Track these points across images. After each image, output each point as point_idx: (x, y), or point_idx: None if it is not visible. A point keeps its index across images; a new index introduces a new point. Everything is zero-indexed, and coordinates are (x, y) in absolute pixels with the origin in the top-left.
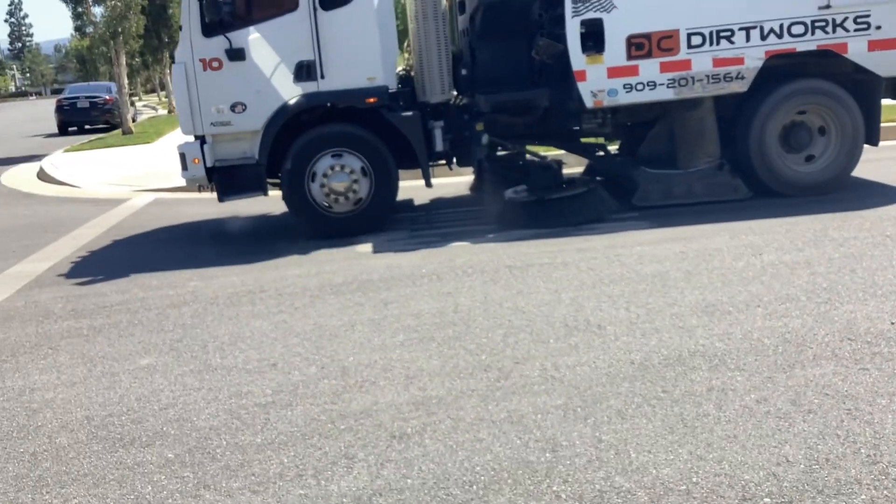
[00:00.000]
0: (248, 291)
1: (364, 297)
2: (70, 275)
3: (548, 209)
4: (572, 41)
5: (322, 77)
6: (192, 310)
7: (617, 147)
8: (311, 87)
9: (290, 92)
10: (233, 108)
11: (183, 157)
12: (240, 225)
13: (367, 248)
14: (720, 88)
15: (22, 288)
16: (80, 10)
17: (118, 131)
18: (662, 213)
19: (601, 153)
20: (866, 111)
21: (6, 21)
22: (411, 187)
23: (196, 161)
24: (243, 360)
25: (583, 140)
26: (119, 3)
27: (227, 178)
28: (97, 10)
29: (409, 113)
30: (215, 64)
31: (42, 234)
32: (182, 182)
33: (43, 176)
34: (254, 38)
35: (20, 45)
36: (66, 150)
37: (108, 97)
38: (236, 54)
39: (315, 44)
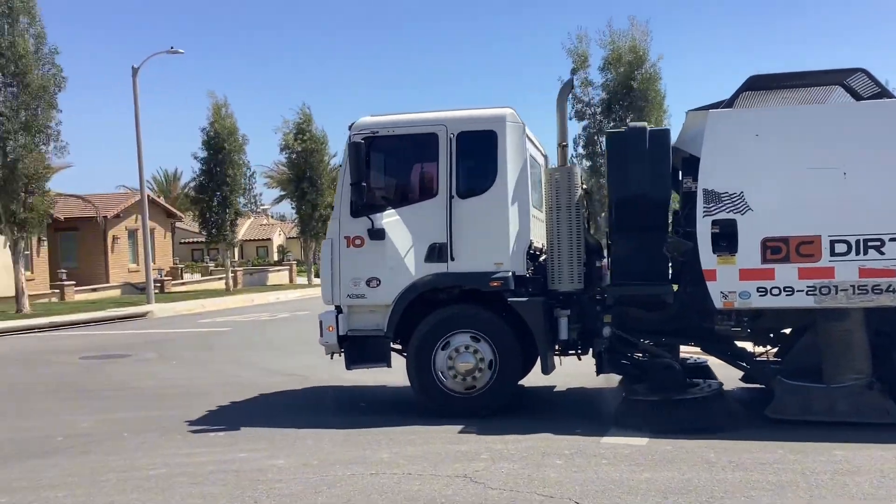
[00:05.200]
0: None
1: None
2: None
3: (664, 411)
4: (703, 240)
5: (452, 259)
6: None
7: (775, 353)
8: (440, 267)
9: (421, 271)
10: (368, 282)
11: (321, 324)
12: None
13: None
14: (868, 300)
15: None
16: None
17: None
18: None
19: (743, 358)
20: None
21: None
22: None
23: (330, 329)
24: None
25: (737, 342)
26: None
27: (356, 348)
28: None
29: (531, 299)
30: (358, 241)
31: None
32: None
33: None
34: (394, 220)
35: None
36: None
37: None
38: (377, 234)
39: (448, 228)
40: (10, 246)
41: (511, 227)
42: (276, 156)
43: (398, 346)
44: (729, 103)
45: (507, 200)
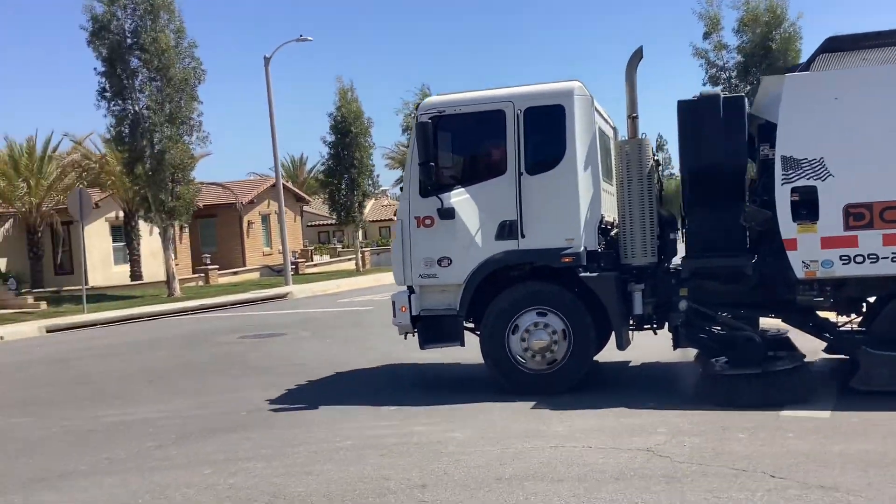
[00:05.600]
0: None
1: None
2: None
3: (744, 385)
4: (782, 208)
5: (522, 236)
6: None
7: (858, 323)
8: (511, 245)
9: (492, 249)
10: (439, 262)
11: (393, 305)
12: None
13: None
14: None
15: None
16: None
17: None
18: None
19: (826, 329)
20: None
21: None
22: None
23: (403, 309)
24: None
25: (815, 314)
26: None
27: (429, 327)
28: None
29: (602, 274)
30: (428, 221)
31: None
32: None
33: None
34: (463, 199)
35: None
36: None
37: None
38: (447, 213)
39: (518, 205)
40: (160, 233)
41: (582, 202)
42: (398, 137)
43: (470, 325)
44: (805, 66)
45: (576, 175)
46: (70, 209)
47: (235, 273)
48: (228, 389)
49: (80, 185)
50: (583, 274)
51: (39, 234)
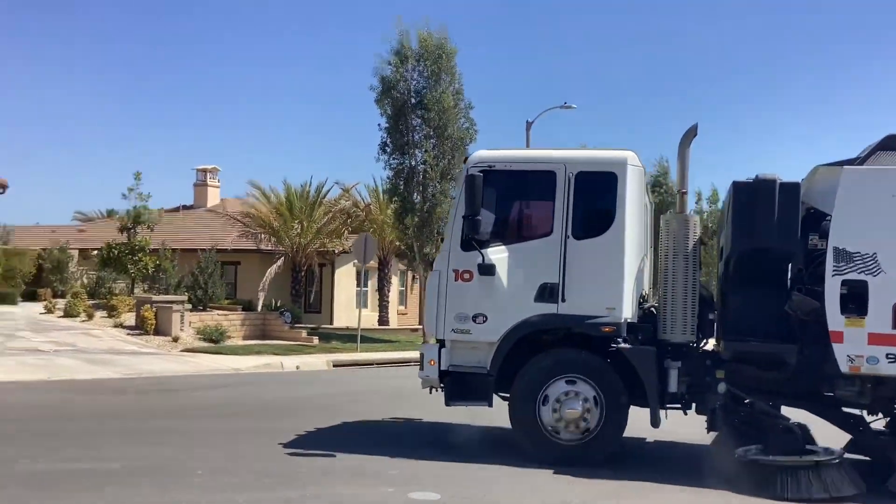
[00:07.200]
0: None
1: None
2: None
3: (778, 476)
4: (830, 300)
5: (563, 300)
6: None
7: (885, 424)
8: (550, 308)
9: (530, 311)
10: (474, 318)
11: (421, 357)
12: None
13: None
14: None
15: None
16: None
17: None
18: None
19: (858, 426)
20: None
21: None
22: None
23: (432, 363)
24: None
25: (843, 409)
26: None
27: (456, 384)
28: None
29: (643, 347)
30: (466, 276)
31: None
32: None
33: None
34: (505, 256)
35: None
36: None
37: None
38: (487, 269)
39: (561, 268)
40: (419, 282)
41: (626, 272)
42: None
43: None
44: (862, 161)
45: (623, 244)
46: (354, 252)
47: None
48: None
49: (346, 230)
50: (622, 345)
51: (303, 273)
